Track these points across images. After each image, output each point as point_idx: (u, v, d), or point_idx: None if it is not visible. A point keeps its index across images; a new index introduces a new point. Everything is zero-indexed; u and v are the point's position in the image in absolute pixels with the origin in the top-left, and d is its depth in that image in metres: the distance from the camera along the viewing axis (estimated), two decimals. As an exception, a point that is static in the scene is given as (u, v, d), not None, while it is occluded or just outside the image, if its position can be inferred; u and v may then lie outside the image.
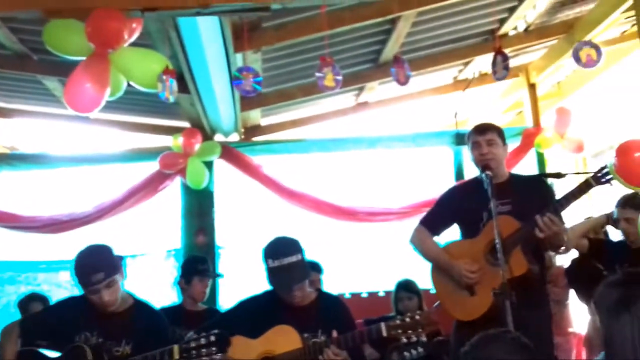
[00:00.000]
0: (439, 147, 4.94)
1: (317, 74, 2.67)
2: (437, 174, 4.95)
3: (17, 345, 2.23)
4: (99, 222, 4.66)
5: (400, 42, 3.93)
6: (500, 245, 2.22)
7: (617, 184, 2.50)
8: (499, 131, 2.55)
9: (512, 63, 3.82)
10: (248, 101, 4.44)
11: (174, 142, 4.55)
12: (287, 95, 4.58)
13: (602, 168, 2.42)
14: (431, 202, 2.88)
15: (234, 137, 4.88)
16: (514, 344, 1.41)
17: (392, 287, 3.75)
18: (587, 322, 3.41)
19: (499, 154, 2.51)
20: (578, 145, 4.68)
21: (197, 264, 3.39)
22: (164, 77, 2.47)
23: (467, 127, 2.67)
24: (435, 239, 2.63)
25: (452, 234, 2.67)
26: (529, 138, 4.80)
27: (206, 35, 2.88)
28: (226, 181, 4.84)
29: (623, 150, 2.45)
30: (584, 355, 3.73)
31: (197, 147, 4.52)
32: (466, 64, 4.76)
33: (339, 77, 2.67)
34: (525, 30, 4.37)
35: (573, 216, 3.03)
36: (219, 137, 4.83)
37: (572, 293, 3.74)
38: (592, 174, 2.45)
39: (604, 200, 5.01)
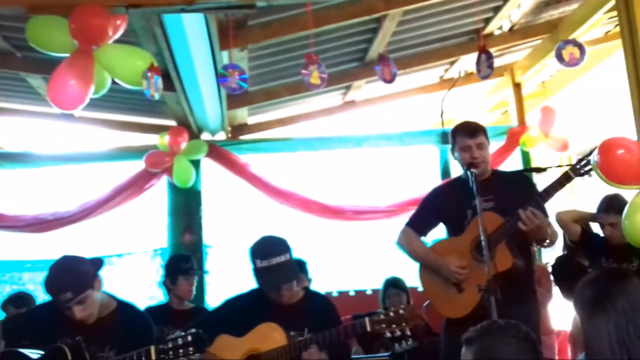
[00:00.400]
0: (426, 145, 4.97)
1: (304, 72, 2.68)
2: (424, 172, 4.99)
3: (1, 346, 2.20)
4: (84, 221, 4.62)
5: (387, 41, 3.94)
6: (485, 242, 2.24)
7: (600, 181, 2.54)
8: (485, 132, 2.58)
9: (497, 62, 3.86)
10: (235, 100, 4.43)
11: (160, 140, 4.52)
12: (273, 93, 4.58)
13: (580, 160, 2.45)
14: (418, 200, 2.91)
15: (221, 136, 4.86)
16: (526, 340, 1.34)
17: (379, 285, 3.77)
18: (572, 320, 3.46)
19: (488, 155, 2.56)
20: (563, 144, 4.74)
21: (181, 262, 3.38)
22: (149, 74, 2.46)
23: (453, 126, 2.69)
24: (422, 239, 2.66)
25: (438, 233, 2.69)
26: (514, 137, 4.85)
27: (192, 32, 2.87)
28: (213, 180, 4.82)
29: (605, 148, 2.49)
30: (569, 352, 3.78)
31: (183, 145, 4.50)
32: (452, 63, 4.79)
33: (325, 75, 2.68)
34: (510, 29, 4.41)
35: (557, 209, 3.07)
36: (205, 136, 4.81)
37: (555, 293, 3.79)
38: (571, 166, 2.49)
39: (587, 196, 5.09)
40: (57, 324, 2.20)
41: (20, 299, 3.75)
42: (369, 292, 4.29)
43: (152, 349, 2.06)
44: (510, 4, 3.95)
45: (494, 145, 4.80)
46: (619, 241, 2.82)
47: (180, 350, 2.04)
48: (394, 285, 3.62)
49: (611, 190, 2.78)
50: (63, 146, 5.01)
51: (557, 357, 3.75)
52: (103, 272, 2.28)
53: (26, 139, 5.36)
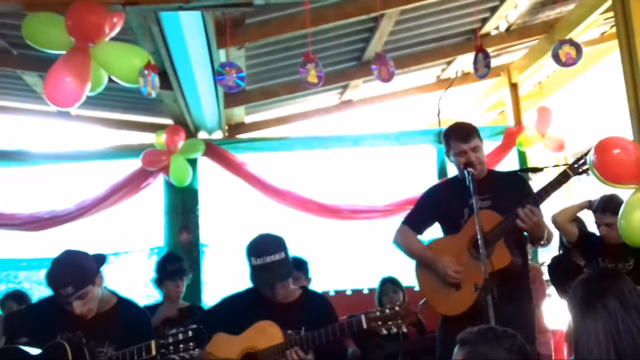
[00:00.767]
0: (422, 145, 4.98)
1: (301, 70, 2.68)
2: (421, 171, 4.99)
3: (1, 342, 2.20)
4: (81, 219, 4.61)
5: (384, 41, 3.95)
6: (481, 240, 2.25)
7: (596, 182, 2.55)
8: (478, 133, 2.58)
9: (494, 63, 3.88)
10: (232, 98, 4.42)
11: (157, 139, 4.51)
12: (271, 92, 4.58)
13: (579, 159, 2.46)
14: (414, 199, 2.91)
15: (218, 135, 4.86)
16: (520, 353, 1.33)
17: (376, 284, 3.77)
18: (568, 320, 3.47)
19: (483, 156, 2.56)
20: (559, 144, 4.76)
21: (167, 264, 3.35)
22: (146, 71, 2.45)
23: (445, 129, 2.70)
24: (418, 237, 2.66)
25: (434, 232, 2.70)
26: (510, 137, 4.86)
27: (189, 31, 2.86)
28: (210, 179, 4.81)
29: (602, 148, 2.49)
30: (565, 352, 3.80)
31: (180, 144, 4.49)
32: (449, 63, 4.80)
33: (321, 74, 2.68)
34: (507, 30, 4.43)
35: (552, 212, 3.08)
36: (202, 135, 4.80)
37: (548, 293, 3.81)
38: (569, 165, 2.50)
39: (583, 197, 5.10)
40: (57, 319, 2.20)
41: (19, 296, 3.74)
42: (365, 291, 4.29)
43: (153, 343, 2.06)
44: (507, 4, 3.96)
45: (491, 145, 4.83)
46: (615, 241, 2.83)
47: (181, 345, 2.05)
48: (390, 281, 3.63)
49: (607, 189, 2.78)
50: (59, 144, 5.00)
51: (553, 354, 3.76)
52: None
53: (22, 137, 5.34)
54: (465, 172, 2.46)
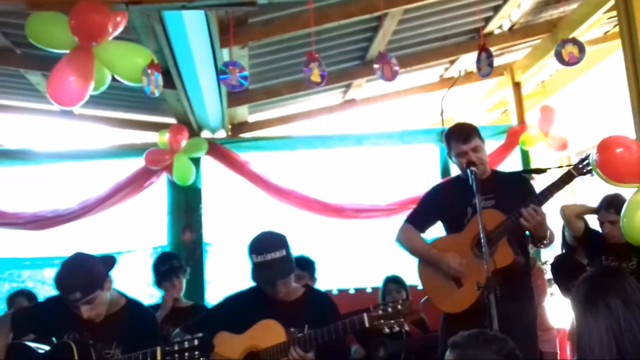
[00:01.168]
0: (426, 144, 4.97)
1: (305, 69, 2.69)
2: (424, 171, 4.99)
3: (9, 337, 2.20)
4: (84, 219, 4.62)
5: (387, 40, 3.95)
6: (484, 239, 2.25)
7: (599, 181, 2.55)
8: (478, 132, 2.59)
9: (497, 62, 3.86)
10: (235, 97, 4.43)
11: (160, 138, 4.52)
12: (274, 91, 4.58)
13: (583, 159, 2.47)
14: (417, 198, 2.92)
15: (221, 134, 4.86)
16: (508, 357, 1.35)
17: (379, 283, 3.78)
18: (572, 318, 3.46)
19: (485, 156, 2.56)
20: (562, 143, 4.75)
21: (159, 266, 3.35)
22: (149, 71, 2.46)
23: (446, 130, 2.70)
24: (422, 235, 2.66)
25: (436, 232, 2.70)
26: (513, 136, 4.86)
27: (192, 30, 2.87)
28: (213, 178, 4.82)
29: (604, 146, 2.49)
30: (568, 351, 3.79)
31: (183, 143, 4.50)
32: (452, 62, 4.80)
33: (324, 73, 2.69)
34: (510, 29, 4.42)
35: (555, 213, 3.08)
36: (205, 134, 4.81)
37: (549, 292, 3.80)
38: (573, 165, 2.50)
39: (587, 196, 5.09)
40: (65, 319, 2.20)
41: (30, 294, 3.75)
42: (368, 290, 4.29)
43: (158, 350, 2.06)
44: (510, 3, 3.96)
45: (494, 144, 4.82)
46: (617, 240, 2.82)
47: (186, 354, 2.04)
48: (394, 281, 3.63)
49: (610, 189, 2.78)
50: (63, 143, 5.00)
51: (558, 352, 3.76)
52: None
53: (26, 136, 5.36)
54: (468, 171, 2.47)
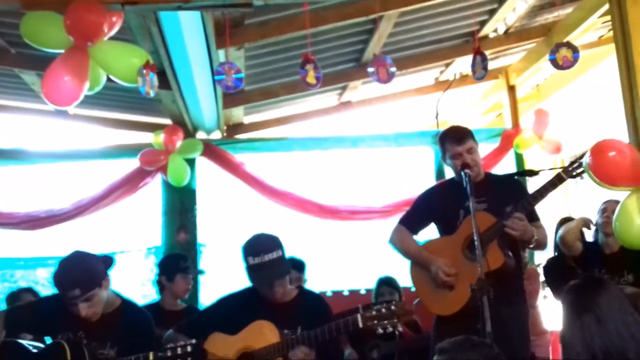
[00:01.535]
0: (420, 147, 4.99)
1: (301, 71, 2.69)
2: (418, 173, 5.00)
3: (1, 336, 2.19)
4: (78, 219, 4.60)
5: (383, 42, 3.96)
6: (478, 241, 2.26)
7: (592, 184, 2.56)
8: (472, 135, 2.61)
9: (492, 65, 3.89)
10: (231, 99, 4.43)
11: (155, 138, 4.51)
12: (270, 93, 4.58)
13: (573, 162, 2.48)
14: (412, 200, 2.93)
15: (216, 135, 4.86)
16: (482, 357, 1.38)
17: (373, 285, 3.78)
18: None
19: (479, 158, 2.57)
20: (556, 147, 4.78)
21: (180, 261, 3.38)
22: (144, 71, 2.45)
23: (440, 133, 2.72)
24: (414, 237, 2.67)
25: (430, 233, 2.71)
26: (508, 139, 4.88)
27: (188, 30, 2.87)
28: (208, 179, 4.81)
29: (597, 150, 2.50)
30: (560, 353, 3.80)
31: (178, 144, 4.49)
32: (447, 65, 4.82)
33: (320, 75, 2.69)
34: (505, 32, 4.45)
35: (549, 215, 3.10)
36: (201, 135, 4.80)
37: (542, 294, 3.82)
38: (563, 168, 2.51)
39: (579, 200, 5.12)
40: (60, 318, 2.20)
41: (35, 292, 3.74)
42: (362, 292, 4.30)
43: (151, 355, 2.06)
44: (506, 7, 3.98)
45: (488, 147, 4.85)
46: (612, 249, 2.84)
47: None
48: (387, 283, 3.64)
49: (603, 192, 2.80)
50: (57, 143, 4.99)
51: (551, 356, 3.78)
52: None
53: (20, 136, 5.33)
54: (462, 173, 2.47)
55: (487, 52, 3.43)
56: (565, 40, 3.30)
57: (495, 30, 4.40)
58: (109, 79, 2.58)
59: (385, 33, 3.85)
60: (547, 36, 4.36)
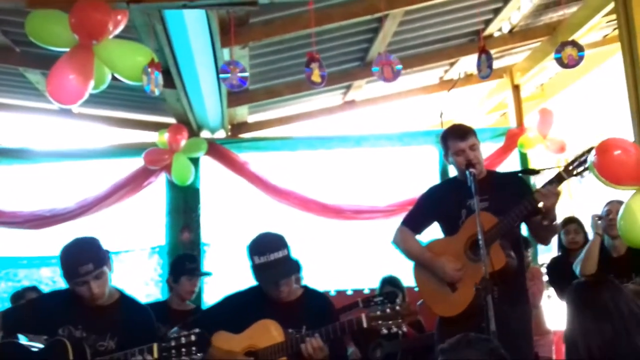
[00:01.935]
0: (425, 146, 4.98)
1: (306, 69, 2.69)
2: (423, 172, 4.99)
3: None
4: (82, 218, 4.61)
5: (387, 41, 3.95)
6: (482, 240, 2.25)
7: (597, 184, 2.55)
8: (474, 133, 2.60)
9: (497, 64, 3.88)
10: (235, 98, 4.43)
11: (160, 138, 4.51)
12: (274, 92, 4.58)
13: (573, 161, 2.46)
14: (416, 200, 2.91)
15: (221, 134, 4.86)
16: (486, 352, 1.41)
17: (376, 284, 3.77)
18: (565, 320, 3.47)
19: (481, 156, 2.57)
20: (560, 146, 4.77)
21: (186, 262, 3.37)
22: (149, 69, 2.46)
23: (442, 132, 2.72)
24: (417, 237, 2.67)
25: (434, 233, 2.70)
26: (512, 138, 4.87)
27: (193, 29, 2.87)
28: (212, 178, 4.82)
29: (603, 149, 2.49)
30: (563, 352, 3.79)
31: (182, 143, 4.49)
32: (452, 64, 4.81)
33: (324, 74, 2.69)
34: (510, 31, 4.44)
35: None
36: (205, 134, 4.80)
37: (546, 294, 3.81)
38: (563, 167, 2.50)
39: (583, 199, 5.11)
40: (59, 312, 2.20)
41: (39, 290, 3.74)
42: (366, 291, 4.29)
43: (155, 346, 2.05)
44: (510, 6, 3.97)
45: (493, 146, 4.84)
46: (619, 253, 2.82)
47: (183, 350, 2.04)
48: (390, 283, 3.63)
49: (606, 191, 2.78)
50: (61, 142, 5.00)
51: (554, 356, 3.76)
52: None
53: (24, 135, 5.35)
54: (467, 173, 2.46)
55: (491, 51, 3.42)
56: (570, 39, 3.29)
57: (500, 30, 4.39)
58: (113, 78, 2.59)
59: (390, 32, 3.84)
60: (552, 35, 4.35)
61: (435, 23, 4.08)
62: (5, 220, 4.59)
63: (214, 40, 3.05)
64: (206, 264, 4.65)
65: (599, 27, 4.25)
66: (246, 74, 2.70)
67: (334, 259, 4.67)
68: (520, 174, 3.00)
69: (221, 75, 2.65)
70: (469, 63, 4.68)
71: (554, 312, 3.84)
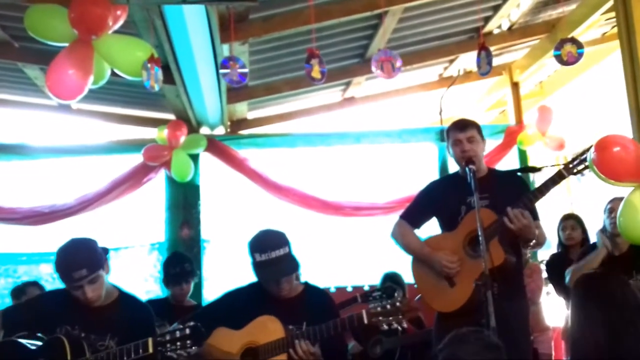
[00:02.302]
0: (424, 143, 4.99)
1: (306, 65, 2.69)
2: (422, 169, 5.00)
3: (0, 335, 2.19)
4: (81, 214, 4.60)
5: (387, 38, 3.95)
6: (482, 236, 2.25)
7: (595, 180, 2.56)
8: (477, 127, 2.59)
9: (496, 61, 3.88)
10: (235, 94, 4.43)
11: (159, 134, 4.51)
12: (273, 88, 4.58)
13: (574, 159, 2.46)
14: (415, 197, 2.91)
15: (220, 130, 4.86)
16: (480, 345, 1.43)
17: (376, 281, 3.78)
18: (565, 316, 3.48)
19: (479, 150, 2.56)
20: (559, 143, 4.77)
21: (169, 268, 3.35)
22: (149, 65, 2.45)
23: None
24: (416, 232, 2.67)
25: (432, 228, 2.70)
26: (511, 135, 4.88)
27: (192, 25, 2.86)
28: (212, 174, 4.81)
29: (602, 145, 2.50)
30: (563, 349, 3.82)
31: (182, 139, 4.49)
32: (451, 61, 4.81)
33: (324, 70, 2.69)
34: (509, 29, 4.44)
35: (551, 211, 3.09)
36: (204, 130, 4.80)
37: (545, 291, 3.82)
38: (563, 165, 2.50)
39: (582, 195, 5.12)
40: (58, 312, 2.19)
41: (40, 285, 3.74)
42: (366, 288, 4.30)
43: (150, 340, 2.05)
44: (510, 3, 3.97)
45: (492, 143, 4.84)
46: (621, 252, 2.83)
47: (178, 343, 2.03)
48: (392, 279, 3.64)
49: (605, 187, 2.79)
50: (60, 138, 4.99)
51: (553, 353, 3.78)
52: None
53: (23, 131, 5.33)
54: (467, 169, 2.47)
55: (491, 49, 3.42)
56: (569, 36, 3.30)
57: (499, 27, 4.39)
58: (113, 73, 2.58)
59: (390, 28, 3.84)
60: (551, 33, 4.35)
61: (434, 20, 4.08)
62: (5, 217, 4.59)
63: (214, 36, 3.04)
64: (206, 261, 4.65)
65: (598, 25, 4.25)
66: (246, 70, 2.70)
67: (334, 255, 4.67)
68: (520, 172, 3.00)
69: (221, 71, 2.64)
70: (468, 60, 4.68)
71: (553, 308, 3.85)
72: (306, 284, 2.59)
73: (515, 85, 5.02)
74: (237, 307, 2.41)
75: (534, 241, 2.45)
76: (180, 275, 3.29)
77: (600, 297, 1.58)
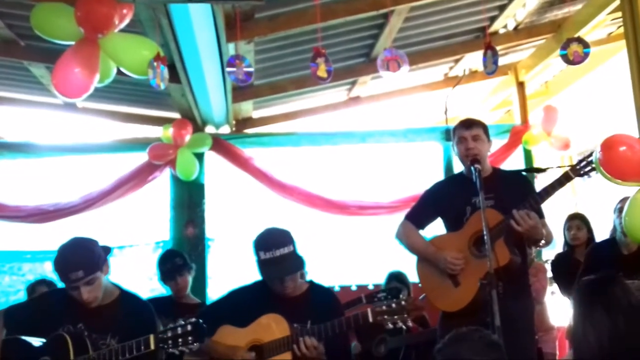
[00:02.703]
0: (429, 142, 4.98)
1: (312, 64, 2.69)
2: (427, 168, 4.99)
3: (2, 334, 2.19)
4: (86, 212, 4.62)
5: (393, 37, 3.94)
6: (487, 236, 2.25)
7: (601, 180, 2.55)
8: (484, 127, 2.58)
9: (502, 61, 3.88)
10: (240, 93, 4.43)
11: (164, 133, 4.52)
12: (279, 87, 4.58)
13: (581, 161, 2.45)
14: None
15: (225, 129, 4.86)
16: (481, 344, 1.43)
17: (381, 280, 3.77)
18: (569, 316, 3.47)
19: (484, 149, 2.55)
20: (564, 143, 4.76)
21: (161, 266, 3.34)
22: (155, 63, 2.45)
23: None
24: (421, 232, 2.66)
25: (437, 229, 2.70)
26: (516, 135, 4.87)
27: (198, 24, 2.86)
28: (216, 173, 4.82)
29: (608, 145, 2.49)
30: (567, 348, 3.80)
31: (187, 138, 4.50)
32: (457, 61, 4.80)
33: (331, 69, 2.69)
34: (515, 28, 4.43)
35: (557, 210, 3.08)
36: (209, 129, 4.81)
37: (550, 290, 3.81)
38: (571, 166, 2.49)
39: (587, 195, 5.10)
40: (60, 311, 2.20)
41: (50, 283, 3.75)
42: (371, 287, 4.30)
43: (152, 337, 2.05)
44: (516, 3, 3.96)
45: (497, 143, 4.83)
46: (629, 250, 2.81)
47: (180, 340, 2.03)
48: (397, 279, 3.63)
49: (611, 187, 2.78)
50: (66, 137, 5.01)
51: (558, 352, 3.77)
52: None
53: (28, 129, 5.36)
54: (472, 168, 2.46)
55: (497, 48, 3.41)
56: (576, 36, 3.28)
57: (505, 26, 4.38)
58: (119, 72, 2.58)
59: (396, 28, 3.84)
60: (557, 32, 4.33)
61: (440, 19, 4.07)
62: (10, 214, 4.61)
63: (220, 35, 3.04)
64: (210, 259, 4.66)
65: (604, 25, 4.24)
66: (251, 69, 2.70)
67: (338, 254, 4.67)
68: (525, 173, 2.99)
69: (228, 69, 2.65)
70: (473, 60, 4.67)
71: (557, 308, 3.84)
72: (311, 282, 2.59)
73: (520, 85, 5.00)
74: (242, 305, 2.42)
75: (542, 241, 2.44)
76: (171, 270, 3.28)
77: (605, 300, 1.58)
